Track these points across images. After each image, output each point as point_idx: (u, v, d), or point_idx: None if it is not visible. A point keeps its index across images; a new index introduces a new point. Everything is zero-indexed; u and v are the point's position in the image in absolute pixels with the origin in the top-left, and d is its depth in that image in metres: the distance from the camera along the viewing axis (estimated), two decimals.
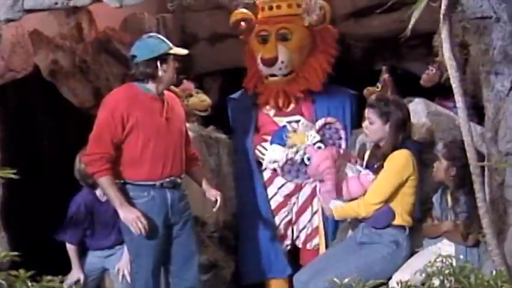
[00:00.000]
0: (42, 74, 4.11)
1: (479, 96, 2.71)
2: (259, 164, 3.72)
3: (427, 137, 3.29)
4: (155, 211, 2.98)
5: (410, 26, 2.30)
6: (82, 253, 3.54)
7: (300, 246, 3.72)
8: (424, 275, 2.17)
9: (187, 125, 3.38)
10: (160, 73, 2.99)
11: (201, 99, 3.97)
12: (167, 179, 3.00)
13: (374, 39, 4.47)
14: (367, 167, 3.18)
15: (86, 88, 4.29)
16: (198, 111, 3.97)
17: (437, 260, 2.10)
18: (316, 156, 3.06)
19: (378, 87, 3.71)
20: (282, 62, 3.56)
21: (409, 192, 3.05)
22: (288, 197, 3.68)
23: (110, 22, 4.41)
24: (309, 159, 3.08)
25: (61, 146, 4.27)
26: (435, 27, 2.48)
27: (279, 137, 3.60)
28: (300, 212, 3.67)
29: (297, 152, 3.09)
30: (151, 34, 3.21)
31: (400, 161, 3.02)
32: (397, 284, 2.35)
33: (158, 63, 2.99)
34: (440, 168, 3.05)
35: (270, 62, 3.57)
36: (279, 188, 3.69)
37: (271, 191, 3.70)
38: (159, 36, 3.14)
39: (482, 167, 2.46)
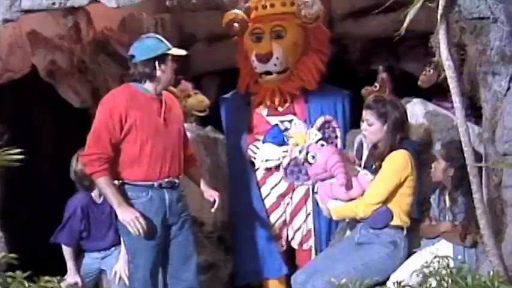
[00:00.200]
0: (40, 74, 4.11)
1: (477, 96, 2.71)
2: (252, 164, 3.71)
3: (425, 137, 3.29)
4: (153, 211, 2.97)
5: (405, 25, 2.30)
6: (79, 254, 3.55)
7: (296, 247, 3.71)
8: (421, 275, 2.17)
9: (185, 125, 3.38)
10: (158, 73, 2.99)
11: (199, 100, 3.96)
12: (165, 180, 3.00)
13: (372, 39, 4.47)
14: (365, 167, 3.19)
15: (84, 88, 4.29)
16: (196, 112, 3.97)
17: (435, 260, 2.10)
18: (323, 152, 3.06)
19: (376, 87, 3.71)
20: (277, 58, 3.56)
21: (407, 193, 3.06)
22: (282, 197, 3.67)
23: (108, 22, 4.41)
24: (313, 157, 3.07)
25: (59, 146, 4.27)
26: (433, 27, 2.48)
27: (271, 136, 3.59)
28: (295, 213, 3.67)
29: (300, 151, 3.08)
30: (149, 34, 3.21)
31: (398, 162, 3.02)
32: (394, 284, 2.36)
33: (156, 64, 2.99)
34: (438, 168, 3.05)
35: (265, 58, 3.57)
36: (272, 188, 3.68)
37: (264, 191, 3.70)
38: (158, 36, 3.14)
39: (480, 168, 2.46)
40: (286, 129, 3.59)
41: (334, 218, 3.22)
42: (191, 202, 3.29)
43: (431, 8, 2.41)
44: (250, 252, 3.69)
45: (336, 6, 4.42)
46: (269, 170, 3.67)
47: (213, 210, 3.28)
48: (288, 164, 3.11)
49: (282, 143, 3.57)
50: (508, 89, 2.47)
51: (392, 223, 3.04)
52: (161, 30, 4.57)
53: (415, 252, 3.09)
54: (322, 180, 3.15)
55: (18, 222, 3.76)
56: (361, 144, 3.50)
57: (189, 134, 3.36)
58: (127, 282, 3.20)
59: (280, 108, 3.68)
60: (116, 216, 2.99)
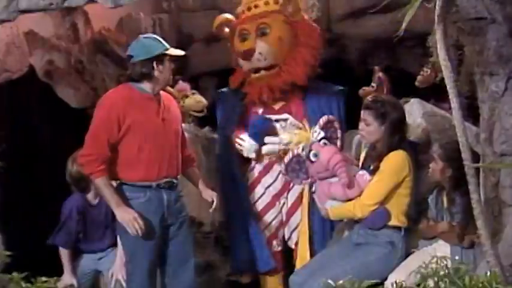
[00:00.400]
0: (37, 74, 4.11)
1: (474, 96, 2.71)
2: (243, 160, 3.70)
3: (423, 137, 3.29)
4: (151, 212, 2.97)
5: (403, 26, 2.30)
6: (76, 255, 3.55)
7: (293, 246, 3.71)
8: (419, 276, 2.17)
9: (183, 125, 3.38)
10: (156, 74, 2.99)
11: (197, 100, 3.97)
12: (163, 180, 3.00)
13: (370, 39, 4.47)
14: (363, 168, 3.19)
15: (81, 88, 4.29)
16: (193, 112, 3.97)
17: (432, 261, 2.10)
18: (325, 151, 3.06)
19: (373, 87, 3.71)
20: (260, 54, 3.55)
21: (405, 193, 3.06)
22: (277, 197, 3.66)
23: (105, 22, 4.41)
24: (315, 155, 3.07)
25: (56, 147, 4.26)
26: (431, 27, 2.48)
27: (254, 126, 3.56)
28: (291, 213, 3.66)
29: (302, 149, 3.07)
30: (147, 35, 3.21)
31: (396, 162, 3.02)
32: (392, 285, 2.36)
33: (154, 64, 2.98)
34: (436, 168, 3.04)
35: (247, 54, 3.57)
36: (266, 188, 3.68)
37: (258, 191, 3.68)
38: (156, 36, 3.14)
39: (478, 168, 2.46)
40: (282, 128, 3.58)
41: (331, 218, 3.21)
42: (189, 202, 3.29)
43: (430, 8, 2.41)
44: (240, 245, 3.69)
45: (334, 6, 4.43)
46: (264, 170, 3.67)
47: (211, 210, 3.28)
48: (291, 160, 3.09)
49: (264, 131, 3.55)
50: (506, 89, 2.47)
51: (390, 223, 3.03)
52: (159, 30, 4.58)
53: (413, 252, 3.09)
54: (322, 179, 3.15)
55: (16, 222, 3.76)
56: (359, 144, 3.51)
57: (186, 134, 3.36)
58: (124, 284, 3.20)
59: (275, 107, 3.68)
60: (113, 217, 2.99)
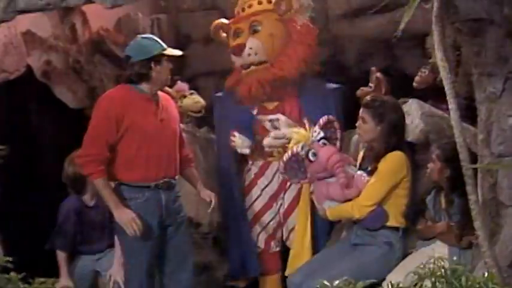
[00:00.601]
0: (35, 74, 4.10)
1: (472, 97, 2.71)
2: (240, 162, 3.70)
3: (421, 138, 3.28)
4: (149, 212, 2.97)
5: (401, 27, 2.30)
6: (74, 257, 3.54)
7: (291, 247, 3.71)
8: (416, 276, 2.17)
9: (181, 125, 3.37)
10: (154, 74, 3.00)
11: (195, 101, 3.96)
12: (161, 181, 3.01)
13: (368, 39, 4.46)
14: (360, 169, 3.19)
15: (79, 89, 4.29)
16: (191, 112, 3.96)
17: (430, 261, 2.10)
18: (324, 151, 3.06)
19: (371, 88, 3.70)
20: (250, 48, 3.57)
21: (403, 194, 3.06)
22: (273, 198, 3.66)
23: (103, 23, 4.41)
24: (314, 155, 3.07)
25: (55, 148, 4.26)
26: (429, 28, 2.47)
27: (240, 120, 3.57)
28: (288, 213, 3.66)
29: (301, 148, 3.07)
30: (145, 35, 3.21)
31: (394, 163, 3.02)
32: (389, 285, 2.35)
33: (152, 64, 2.99)
34: (435, 169, 3.05)
35: (238, 49, 3.59)
36: (263, 189, 3.68)
37: (255, 192, 3.69)
38: (153, 37, 3.14)
39: (475, 169, 2.46)
40: (275, 128, 3.58)
41: (329, 218, 3.22)
42: (187, 203, 3.29)
43: (428, 8, 2.41)
44: (233, 251, 3.69)
45: (332, 6, 4.42)
46: (260, 171, 3.66)
47: (209, 210, 3.29)
48: (289, 158, 3.09)
49: (252, 126, 3.56)
50: (503, 90, 2.47)
51: (388, 224, 3.04)
52: (157, 30, 4.58)
53: (410, 253, 3.09)
54: (320, 179, 3.15)
55: (15, 223, 3.75)
56: (357, 145, 3.51)
57: (184, 135, 3.36)
58: (122, 286, 3.20)
59: (269, 107, 3.68)
60: (111, 218, 2.99)
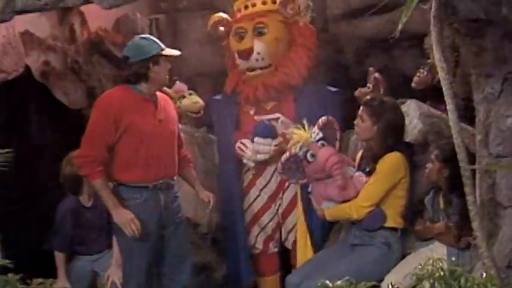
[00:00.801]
0: (33, 75, 4.10)
1: (471, 98, 2.70)
2: (241, 164, 3.69)
3: (419, 138, 3.28)
4: (148, 212, 2.97)
5: (399, 27, 2.30)
6: (72, 257, 3.54)
7: (290, 247, 3.71)
8: (415, 277, 2.17)
9: (180, 126, 3.37)
10: (152, 74, 2.99)
11: (194, 101, 3.95)
12: (160, 181, 3.01)
13: (367, 40, 4.46)
14: (359, 169, 3.19)
15: (78, 89, 4.29)
16: (190, 113, 3.95)
17: (428, 262, 2.09)
18: (323, 152, 3.06)
19: (369, 88, 3.70)
20: (258, 53, 3.55)
21: (401, 195, 3.06)
22: (272, 198, 3.66)
23: (102, 23, 4.41)
24: (312, 155, 3.07)
25: (53, 148, 4.26)
26: (428, 28, 2.47)
27: (258, 130, 3.56)
28: (286, 214, 3.66)
29: (300, 148, 3.07)
30: (143, 35, 3.21)
31: (392, 164, 3.03)
32: (388, 286, 2.35)
33: (150, 65, 2.98)
34: (433, 169, 3.05)
35: (246, 53, 3.56)
36: (261, 189, 3.68)
37: (253, 193, 3.68)
38: (151, 37, 3.14)
39: (474, 169, 2.46)
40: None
41: (327, 219, 3.22)
42: (185, 203, 3.29)
43: (426, 9, 2.41)
44: (229, 257, 3.69)
45: (330, 7, 4.41)
46: (258, 171, 3.66)
47: (208, 211, 3.29)
48: (287, 159, 3.09)
49: (269, 135, 3.54)
50: (501, 91, 2.47)
51: (386, 225, 3.04)
52: (155, 30, 4.57)
53: (409, 253, 3.09)
54: (318, 180, 3.15)
55: (13, 223, 3.75)
56: (355, 145, 3.51)
57: (183, 135, 3.36)
58: (119, 287, 3.20)
59: (267, 107, 3.67)
60: (109, 218, 2.98)
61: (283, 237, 3.72)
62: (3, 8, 3.11)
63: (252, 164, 3.60)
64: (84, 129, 2.99)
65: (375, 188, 3.02)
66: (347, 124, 3.44)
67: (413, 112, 3.33)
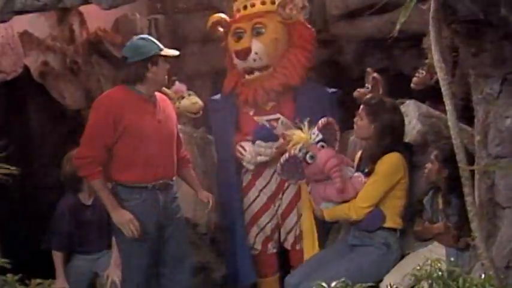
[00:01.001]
0: (32, 75, 4.10)
1: (469, 98, 2.70)
2: (241, 166, 3.69)
3: (418, 139, 3.28)
4: (147, 213, 2.97)
5: (397, 28, 2.30)
6: (72, 257, 3.53)
7: (289, 248, 3.71)
8: (413, 278, 2.17)
9: (179, 126, 3.37)
10: (150, 75, 2.99)
11: (193, 101, 3.95)
12: (159, 181, 3.00)
13: (366, 40, 4.46)
14: (358, 169, 3.19)
15: (76, 89, 4.29)
16: (189, 113, 3.95)
17: (427, 263, 2.10)
18: (322, 154, 3.06)
19: (368, 89, 3.70)
20: (256, 53, 3.53)
21: (400, 195, 3.06)
22: (271, 199, 3.66)
23: (101, 23, 4.41)
24: (312, 157, 3.07)
25: (52, 148, 4.26)
26: (427, 28, 2.47)
27: (259, 134, 3.55)
28: (286, 214, 3.65)
29: (299, 150, 3.07)
30: (141, 36, 3.20)
31: (390, 164, 3.03)
32: (387, 287, 2.35)
33: (148, 65, 2.98)
34: (433, 169, 3.05)
35: (243, 53, 3.55)
36: (261, 190, 3.67)
37: (253, 193, 3.68)
38: (150, 37, 3.13)
39: (472, 170, 2.46)
40: (273, 128, 3.58)
41: (326, 219, 3.22)
42: (184, 203, 3.29)
43: (425, 9, 2.41)
44: (229, 257, 3.69)
45: (330, 7, 4.42)
46: (257, 172, 3.66)
47: (206, 211, 3.29)
48: (287, 160, 3.09)
49: (270, 139, 3.54)
50: (500, 91, 2.47)
51: (385, 225, 3.04)
52: (154, 31, 4.57)
53: (408, 254, 3.09)
54: (317, 181, 3.15)
55: (12, 224, 3.75)
56: (354, 146, 3.51)
57: (182, 135, 3.35)
58: (119, 286, 3.20)
59: (266, 108, 3.67)
60: (109, 218, 2.98)
61: (282, 238, 3.72)
62: (2, 8, 3.10)
63: (251, 167, 3.60)
64: (83, 129, 2.99)
65: (374, 189, 3.02)
66: (346, 124, 3.44)
67: (412, 112, 3.33)
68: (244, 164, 3.61)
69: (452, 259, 2.78)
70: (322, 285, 1.97)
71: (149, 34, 4.01)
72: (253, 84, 3.61)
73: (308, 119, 3.14)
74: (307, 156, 3.08)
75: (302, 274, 3.07)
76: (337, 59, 4.62)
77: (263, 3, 3.64)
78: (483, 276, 2.09)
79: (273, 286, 3.73)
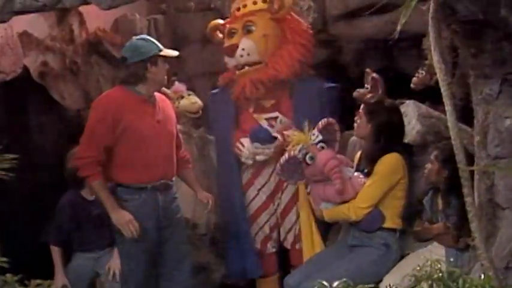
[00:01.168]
0: (31, 75, 4.10)
1: (469, 99, 2.70)
2: (240, 162, 3.69)
3: (418, 139, 3.29)
4: (146, 214, 2.97)
5: (398, 28, 2.30)
6: (72, 255, 3.53)
7: (289, 247, 3.71)
8: (413, 278, 2.17)
9: (178, 126, 3.37)
10: (150, 75, 2.99)
11: (192, 101, 3.95)
12: (158, 182, 3.01)
13: (366, 40, 4.46)
14: (357, 170, 3.19)
15: (76, 90, 4.29)
16: (189, 113, 3.95)
17: (426, 264, 2.09)
18: (322, 155, 3.06)
19: (367, 89, 3.70)
20: (243, 49, 3.54)
21: (400, 196, 3.07)
22: (271, 198, 3.65)
23: (100, 24, 4.41)
24: (312, 158, 3.07)
25: (52, 148, 4.26)
26: (427, 29, 2.47)
27: (256, 135, 3.54)
28: (285, 213, 3.65)
29: (299, 151, 3.07)
30: (141, 36, 3.20)
31: (390, 165, 3.03)
32: (387, 287, 2.35)
33: (148, 65, 2.98)
34: (433, 170, 3.05)
35: (230, 50, 3.57)
36: (259, 189, 3.67)
37: (252, 192, 3.68)
38: (149, 38, 3.14)
39: (472, 171, 2.46)
40: (272, 127, 3.58)
41: (326, 219, 3.22)
42: (184, 204, 3.29)
43: (425, 10, 2.41)
44: (231, 253, 3.68)
45: (329, 7, 4.41)
46: (256, 171, 3.65)
47: (206, 211, 3.29)
48: (287, 161, 3.10)
49: (267, 141, 3.53)
50: (500, 92, 2.47)
51: (384, 226, 3.04)
52: (154, 31, 4.58)
53: (407, 254, 3.09)
54: (317, 182, 3.15)
55: (11, 224, 3.75)
56: (354, 146, 3.51)
57: (181, 135, 3.35)
58: (118, 279, 3.20)
59: (266, 105, 3.67)
60: (110, 218, 2.98)
61: (282, 237, 3.72)
62: (2, 9, 3.10)
63: (250, 162, 3.60)
64: (83, 130, 2.98)
65: (374, 189, 3.02)
66: (345, 124, 3.44)
67: (412, 113, 3.33)
68: (243, 160, 3.61)
69: (451, 260, 2.79)
70: (323, 285, 1.97)
71: (149, 34, 4.02)
72: (242, 79, 3.61)
73: (307, 120, 3.14)
74: (307, 157, 3.08)
75: (301, 274, 3.08)
76: (337, 59, 4.61)
77: (254, 3, 3.67)
78: (483, 276, 2.08)
79: (272, 286, 3.73)
